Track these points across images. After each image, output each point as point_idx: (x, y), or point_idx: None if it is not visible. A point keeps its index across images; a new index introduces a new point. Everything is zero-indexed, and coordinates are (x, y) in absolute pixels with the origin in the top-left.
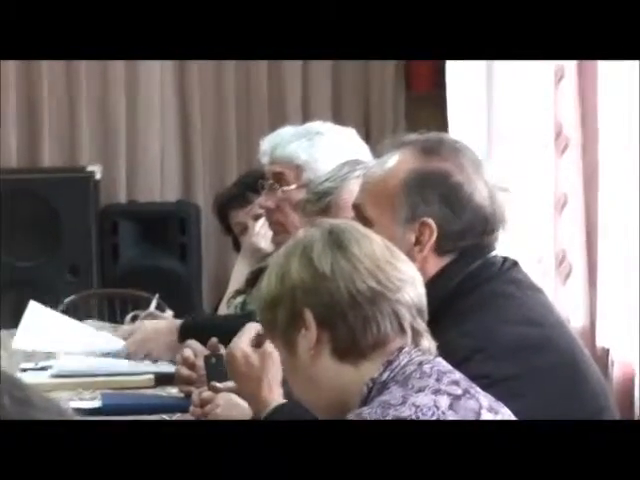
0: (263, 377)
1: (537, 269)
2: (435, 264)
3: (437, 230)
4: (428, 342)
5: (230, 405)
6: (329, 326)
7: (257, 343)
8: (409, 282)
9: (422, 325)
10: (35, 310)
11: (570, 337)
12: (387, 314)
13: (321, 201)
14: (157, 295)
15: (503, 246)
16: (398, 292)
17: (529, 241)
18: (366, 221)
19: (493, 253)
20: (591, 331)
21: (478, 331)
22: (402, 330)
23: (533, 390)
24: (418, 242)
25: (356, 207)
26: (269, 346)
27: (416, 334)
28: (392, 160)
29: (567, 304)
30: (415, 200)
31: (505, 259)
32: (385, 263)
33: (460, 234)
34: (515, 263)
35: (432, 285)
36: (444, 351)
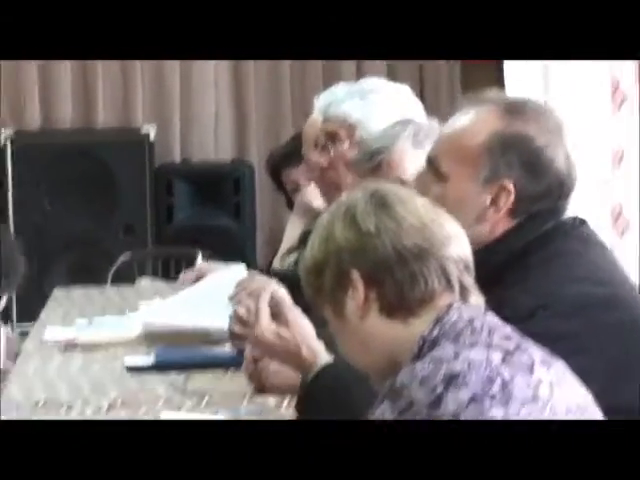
0: (301, 344)
1: (594, 224)
2: (505, 225)
3: (515, 194)
4: (476, 298)
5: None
6: (376, 284)
7: (274, 313)
8: (454, 238)
9: (470, 281)
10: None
11: (636, 295)
12: (434, 269)
13: (372, 160)
14: (200, 253)
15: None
16: (444, 248)
17: (586, 196)
18: (440, 175)
19: (564, 215)
20: None
21: (543, 288)
22: (450, 286)
23: (597, 347)
24: (494, 204)
25: (430, 160)
26: (289, 310)
27: (464, 290)
28: (474, 117)
29: (623, 258)
30: (496, 162)
31: (574, 218)
32: (430, 220)
33: (536, 198)
34: (583, 221)
35: (500, 244)
36: (508, 307)
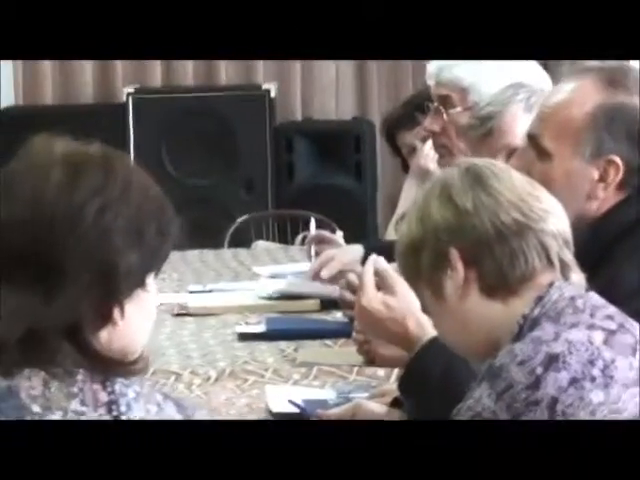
0: (408, 314)
1: None
2: (614, 200)
3: (623, 167)
4: (577, 275)
5: None
6: (476, 263)
7: (378, 286)
8: (552, 212)
9: (570, 257)
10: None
11: None
12: (534, 246)
13: (484, 126)
14: (313, 219)
15: None
16: (543, 222)
17: None
18: (543, 153)
19: None
20: None
21: None
22: (550, 262)
23: None
24: (602, 179)
25: (532, 137)
26: (395, 280)
27: (564, 266)
28: (574, 89)
29: None
30: (602, 136)
31: None
32: (527, 195)
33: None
34: None
35: (608, 218)
36: (618, 284)
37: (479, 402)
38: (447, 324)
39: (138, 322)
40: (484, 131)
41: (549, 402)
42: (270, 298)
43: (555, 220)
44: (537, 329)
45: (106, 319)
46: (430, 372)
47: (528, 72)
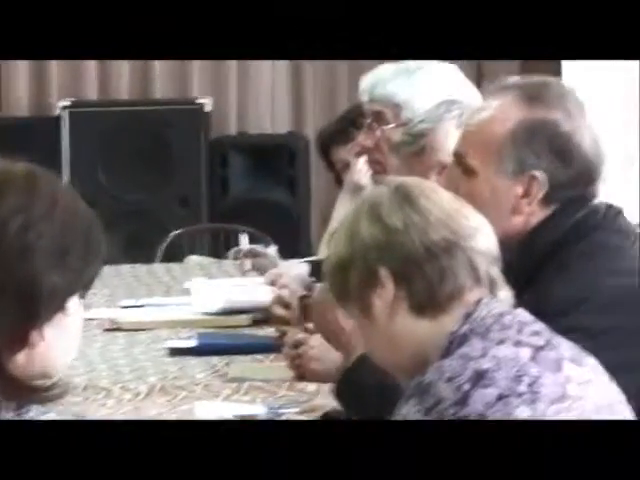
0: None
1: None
2: (540, 214)
3: (546, 182)
4: (505, 292)
5: (323, 347)
6: (405, 281)
7: None
8: (480, 230)
9: (498, 273)
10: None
11: None
12: (463, 264)
13: (416, 142)
14: (246, 234)
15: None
16: (471, 240)
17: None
18: (468, 170)
19: (597, 201)
20: None
21: (582, 281)
22: (478, 280)
23: (633, 343)
24: (526, 195)
25: (457, 155)
26: None
27: (492, 283)
28: (496, 107)
29: None
30: (523, 152)
31: (610, 206)
32: (455, 212)
33: (568, 185)
34: (620, 211)
35: (537, 234)
36: (548, 301)
37: (407, 418)
38: (376, 342)
39: (59, 346)
40: (416, 148)
41: (477, 418)
42: (210, 314)
43: (483, 237)
44: (465, 345)
45: (24, 342)
46: (366, 380)
47: (460, 89)
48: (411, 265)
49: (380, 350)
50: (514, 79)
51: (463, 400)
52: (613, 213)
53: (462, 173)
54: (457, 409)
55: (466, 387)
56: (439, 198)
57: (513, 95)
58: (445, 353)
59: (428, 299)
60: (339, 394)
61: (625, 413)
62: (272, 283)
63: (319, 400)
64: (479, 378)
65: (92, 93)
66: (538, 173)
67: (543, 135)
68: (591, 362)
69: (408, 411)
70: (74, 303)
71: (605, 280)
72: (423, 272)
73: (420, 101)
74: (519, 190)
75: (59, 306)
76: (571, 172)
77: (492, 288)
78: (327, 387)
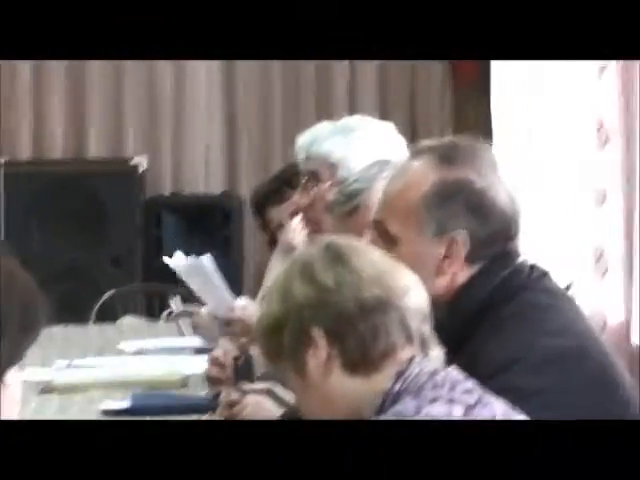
0: None
1: (574, 265)
2: (465, 274)
3: (467, 241)
4: (436, 350)
5: (258, 407)
6: (339, 340)
7: None
8: (412, 288)
9: (429, 332)
10: None
11: (603, 345)
12: (395, 321)
13: (350, 202)
14: (178, 295)
15: (542, 243)
16: (404, 298)
17: (567, 237)
18: (390, 238)
19: (520, 259)
20: (626, 328)
21: (517, 341)
22: (410, 338)
23: (567, 403)
24: (448, 256)
25: (378, 223)
26: None
27: (424, 342)
28: (410, 172)
29: (604, 300)
30: (440, 214)
31: (533, 266)
32: (387, 270)
33: (488, 242)
34: (545, 272)
35: (465, 294)
36: (481, 361)
37: None
38: (310, 402)
39: None
40: (350, 207)
41: None
42: None
43: (415, 296)
44: (399, 403)
45: None
46: None
47: (394, 149)
48: (344, 323)
49: (313, 408)
50: (427, 142)
51: None
52: (538, 273)
53: (384, 241)
54: None
55: None
56: (370, 257)
57: (425, 158)
58: (378, 411)
59: (361, 357)
60: None
61: None
62: (228, 324)
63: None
64: None
65: (26, 153)
66: (457, 234)
67: (457, 195)
68: (521, 418)
69: None
70: (12, 374)
71: (539, 340)
72: (356, 330)
73: (355, 160)
74: (441, 251)
75: None
76: (489, 229)
77: (424, 346)
78: None
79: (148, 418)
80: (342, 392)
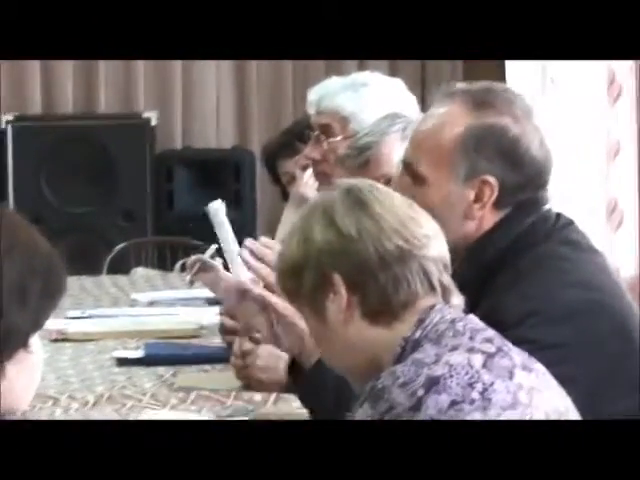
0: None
1: (588, 218)
2: (491, 219)
3: (497, 186)
4: (457, 298)
5: (271, 357)
6: (359, 289)
7: None
8: (433, 237)
9: (449, 280)
10: None
11: (624, 300)
12: (416, 271)
13: (361, 156)
14: (214, 246)
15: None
16: (424, 248)
17: (581, 189)
18: (419, 179)
19: (547, 207)
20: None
21: (535, 294)
22: (432, 287)
23: (584, 356)
24: (478, 199)
25: (406, 164)
26: None
27: (445, 290)
28: (444, 114)
29: (618, 253)
30: (474, 157)
31: (559, 215)
32: (409, 220)
33: (519, 188)
34: (571, 222)
35: (488, 239)
36: (498, 312)
37: None
38: (330, 348)
39: (20, 383)
40: (361, 160)
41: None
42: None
43: (436, 245)
44: (419, 351)
45: None
46: (326, 381)
47: (404, 103)
48: (364, 273)
49: (333, 354)
50: (460, 85)
51: (417, 406)
52: (563, 222)
53: (412, 181)
54: (410, 414)
55: (420, 393)
56: (392, 203)
57: (459, 101)
58: (398, 358)
59: (381, 307)
60: (303, 395)
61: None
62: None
63: (266, 409)
64: (432, 384)
65: (36, 108)
66: (489, 177)
67: (492, 139)
68: (541, 369)
69: (362, 415)
70: (35, 340)
71: (557, 292)
72: (377, 280)
73: (366, 114)
74: (471, 195)
75: (20, 344)
76: (521, 176)
77: (445, 295)
78: (274, 396)
79: (161, 368)
80: (362, 339)
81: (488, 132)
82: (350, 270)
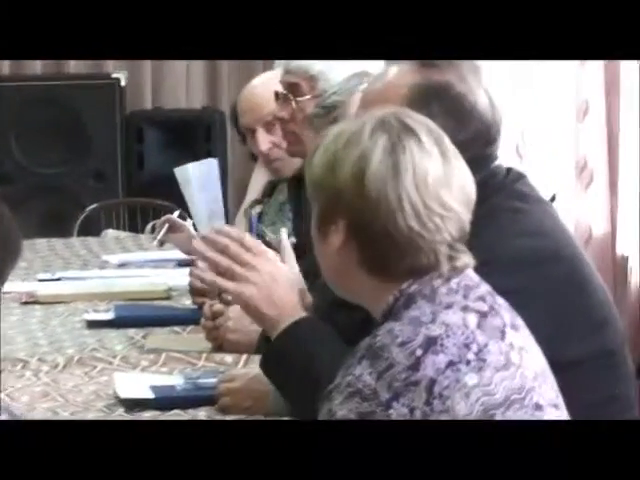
0: (293, 287)
1: (558, 176)
2: None
3: None
4: (467, 259)
5: (241, 318)
6: (359, 241)
7: None
8: (454, 219)
9: (459, 247)
10: None
11: (576, 248)
12: (424, 251)
13: (329, 115)
14: (179, 210)
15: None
16: (438, 233)
17: (550, 149)
18: None
19: (496, 162)
20: (611, 238)
21: (483, 245)
22: (438, 262)
23: (538, 302)
24: None
25: None
26: (290, 255)
27: (452, 258)
28: (391, 74)
29: (588, 212)
30: (419, 114)
31: (509, 170)
32: (433, 199)
33: (465, 145)
34: (521, 175)
35: None
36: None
37: (360, 379)
38: (327, 268)
39: None
40: (329, 120)
41: (427, 383)
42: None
43: (453, 225)
44: (414, 307)
45: None
46: (291, 354)
47: (371, 61)
48: (367, 233)
49: (329, 276)
50: None
51: (415, 365)
52: (513, 176)
53: None
54: (409, 373)
55: (418, 353)
56: (425, 174)
57: (407, 63)
58: (390, 309)
59: (381, 267)
60: (264, 363)
61: (551, 378)
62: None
63: (237, 370)
64: (430, 344)
65: (4, 68)
66: None
67: (437, 97)
68: (522, 324)
69: (362, 372)
70: None
71: (505, 242)
72: (378, 245)
73: (335, 73)
74: None
75: None
76: (467, 132)
77: (451, 261)
78: (245, 357)
79: (131, 330)
80: (353, 281)
81: (431, 90)
82: (356, 220)
